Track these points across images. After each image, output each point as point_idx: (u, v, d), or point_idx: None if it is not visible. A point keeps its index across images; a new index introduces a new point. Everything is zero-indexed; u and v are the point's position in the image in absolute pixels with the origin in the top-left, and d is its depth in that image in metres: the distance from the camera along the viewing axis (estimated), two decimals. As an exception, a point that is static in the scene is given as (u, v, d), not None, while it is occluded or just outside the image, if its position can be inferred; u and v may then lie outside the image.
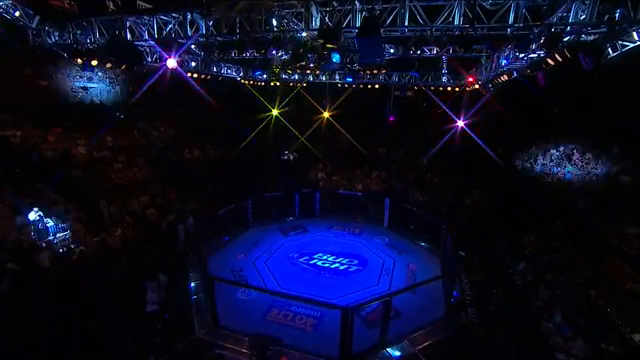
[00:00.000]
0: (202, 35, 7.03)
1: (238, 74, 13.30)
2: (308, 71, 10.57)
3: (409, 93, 19.31)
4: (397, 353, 7.77)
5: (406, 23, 5.23)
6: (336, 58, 5.94)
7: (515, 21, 4.99)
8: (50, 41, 8.32)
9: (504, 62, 7.89)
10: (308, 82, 14.77)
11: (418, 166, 18.85)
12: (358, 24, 5.57)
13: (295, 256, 11.71)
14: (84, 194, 13.35)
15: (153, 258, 11.15)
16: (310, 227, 14.08)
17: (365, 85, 14.13)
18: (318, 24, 5.95)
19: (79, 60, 8.33)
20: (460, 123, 15.36)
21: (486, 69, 9.46)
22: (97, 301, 9.17)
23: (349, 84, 14.20)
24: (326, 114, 16.54)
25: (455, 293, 9.47)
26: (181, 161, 17.54)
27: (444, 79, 13.19)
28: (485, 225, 13.54)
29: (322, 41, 5.62)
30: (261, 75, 14.38)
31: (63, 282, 9.68)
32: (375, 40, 5.13)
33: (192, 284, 9.97)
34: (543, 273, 10.97)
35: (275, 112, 18.08)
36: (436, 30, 5.72)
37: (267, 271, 10.77)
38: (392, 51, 9.31)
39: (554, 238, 12.65)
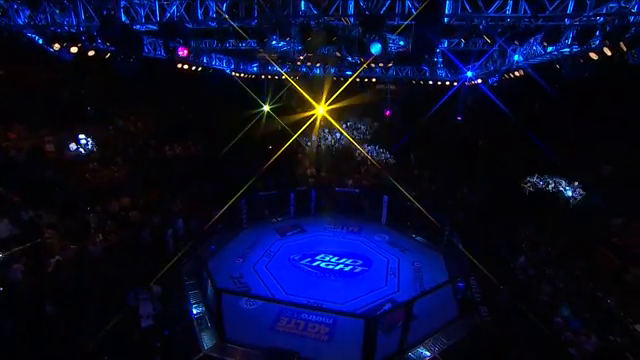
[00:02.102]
0: (213, 19, 6.20)
1: (229, 66, 12.38)
2: (309, 63, 9.91)
3: (392, 87, 19.15)
4: (419, 358, 7.49)
5: (459, 11, 4.77)
6: (376, 49, 5.38)
7: (577, 10, 4.66)
8: (20, 22, 7.11)
9: (519, 58, 7.72)
10: (301, 75, 14.05)
11: (406, 161, 18.76)
12: (397, 10, 5.08)
13: (297, 258, 11.15)
14: (57, 197, 12.05)
15: (142, 266, 10.22)
16: (307, 226, 13.52)
17: (362, 79, 13.67)
18: (352, 10, 5.38)
19: (56, 46, 7.20)
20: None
21: (494, 63, 9.29)
22: (81, 317, 8.23)
23: (346, 78, 13.63)
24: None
25: (463, 290, 9.32)
26: (162, 159, 16.35)
27: (442, 73, 12.99)
28: (482, 220, 13.64)
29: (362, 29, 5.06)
30: (252, 68, 13.50)
31: (39, 297, 8.63)
32: (435, 29, 4.61)
33: (190, 294, 9.14)
34: (543, 267, 11.14)
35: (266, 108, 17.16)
36: (491, 20, 5.29)
37: (269, 276, 10.14)
38: (402, 43, 8.87)
39: (547, 231, 12.94)
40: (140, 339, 7.98)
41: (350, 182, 17.30)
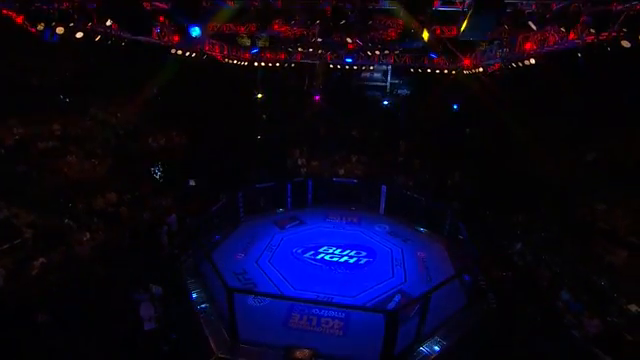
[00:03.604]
0: (230, -3, 5.62)
1: (221, 52, 11.67)
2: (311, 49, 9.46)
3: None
4: (435, 348, 7.48)
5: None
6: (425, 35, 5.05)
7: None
8: (-5, -4, 6.22)
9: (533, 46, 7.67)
10: (295, 63, 13.49)
11: (396, 149, 18.77)
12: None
13: (299, 251, 10.86)
14: (33, 193, 11.06)
15: (136, 266, 9.62)
16: (305, 218, 13.23)
17: (360, 66, 13.30)
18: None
19: (40, 26, 6.37)
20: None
21: (503, 52, 9.22)
22: (77, 324, 7.63)
23: (343, 65, 13.18)
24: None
25: (471, 278, 9.43)
26: (147, 150, 15.42)
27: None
28: (476, 207, 13.88)
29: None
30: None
31: (26, 304, 7.94)
32: (494, 14, 4.29)
33: (194, 294, 8.66)
34: (539, 252, 11.48)
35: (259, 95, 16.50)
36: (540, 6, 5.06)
37: (274, 271, 9.81)
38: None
39: (540, 218, 13.34)
40: (145, 343, 7.52)
41: (342, 172, 17.13)
